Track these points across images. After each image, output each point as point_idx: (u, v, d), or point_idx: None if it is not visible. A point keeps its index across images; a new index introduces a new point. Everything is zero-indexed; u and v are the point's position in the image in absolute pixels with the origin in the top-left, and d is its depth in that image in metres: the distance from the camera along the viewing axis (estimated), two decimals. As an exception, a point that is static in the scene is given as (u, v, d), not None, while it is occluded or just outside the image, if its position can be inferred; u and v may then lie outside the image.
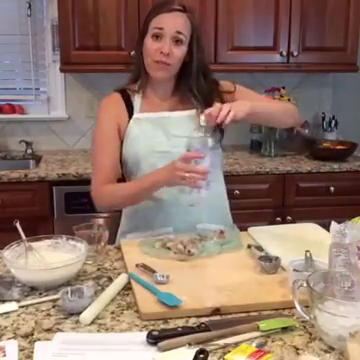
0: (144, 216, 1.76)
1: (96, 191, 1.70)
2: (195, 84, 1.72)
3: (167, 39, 1.64)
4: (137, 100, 1.75)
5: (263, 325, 1.14)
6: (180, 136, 1.70)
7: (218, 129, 1.69)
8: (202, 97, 1.72)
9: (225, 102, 1.63)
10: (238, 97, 1.72)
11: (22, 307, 1.26)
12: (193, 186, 1.50)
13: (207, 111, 1.52)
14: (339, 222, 1.20)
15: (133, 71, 1.78)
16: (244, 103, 1.58)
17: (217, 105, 1.53)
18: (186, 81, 1.73)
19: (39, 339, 1.12)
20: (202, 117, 1.52)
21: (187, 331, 1.12)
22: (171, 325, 1.18)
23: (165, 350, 1.06)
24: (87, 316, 1.19)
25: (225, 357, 1.03)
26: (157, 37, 1.65)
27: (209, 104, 1.64)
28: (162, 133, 1.72)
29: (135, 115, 1.73)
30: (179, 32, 1.65)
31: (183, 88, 1.75)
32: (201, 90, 1.73)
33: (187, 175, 1.46)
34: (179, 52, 1.67)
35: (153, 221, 1.75)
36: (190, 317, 1.21)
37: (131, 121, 1.73)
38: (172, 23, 1.65)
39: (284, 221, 2.95)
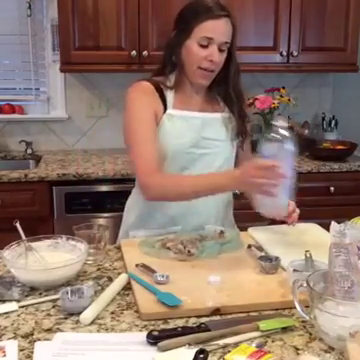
0: (152, 214, 1.75)
1: (144, 182, 1.62)
2: (232, 85, 1.70)
3: (215, 46, 1.60)
4: (170, 95, 1.70)
5: (263, 325, 1.14)
6: (210, 138, 1.71)
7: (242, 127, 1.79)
8: (237, 98, 1.72)
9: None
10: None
11: (22, 307, 1.26)
12: (269, 194, 1.40)
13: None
14: (339, 222, 1.20)
15: (160, 66, 1.73)
16: None
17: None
18: (222, 83, 1.70)
19: (39, 339, 1.12)
20: (276, 121, 1.41)
21: (187, 331, 1.12)
22: (171, 325, 1.18)
23: (165, 350, 1.06)
24: (87, 316, 1.19)
25: (225, 357, 1.03)
26: (204, 44, 1.61)
27: (240, 106, 1.72)
28: (193, 134, 1.69)
29: (169, 111, 1.68)
30: (226, 42, 1.62)
31: (214, 90, 1.73)
32: (237, 91, 1.72)
33: (264, 181, 1.37)
34: (223, 58, 1.65)
35: (161, 219, 1.74)
36: (190, 317, 1.21)
37: (164, 116, 1.68)
38: (221, 33, 1.60)
39: (284, 221, 2.93)
